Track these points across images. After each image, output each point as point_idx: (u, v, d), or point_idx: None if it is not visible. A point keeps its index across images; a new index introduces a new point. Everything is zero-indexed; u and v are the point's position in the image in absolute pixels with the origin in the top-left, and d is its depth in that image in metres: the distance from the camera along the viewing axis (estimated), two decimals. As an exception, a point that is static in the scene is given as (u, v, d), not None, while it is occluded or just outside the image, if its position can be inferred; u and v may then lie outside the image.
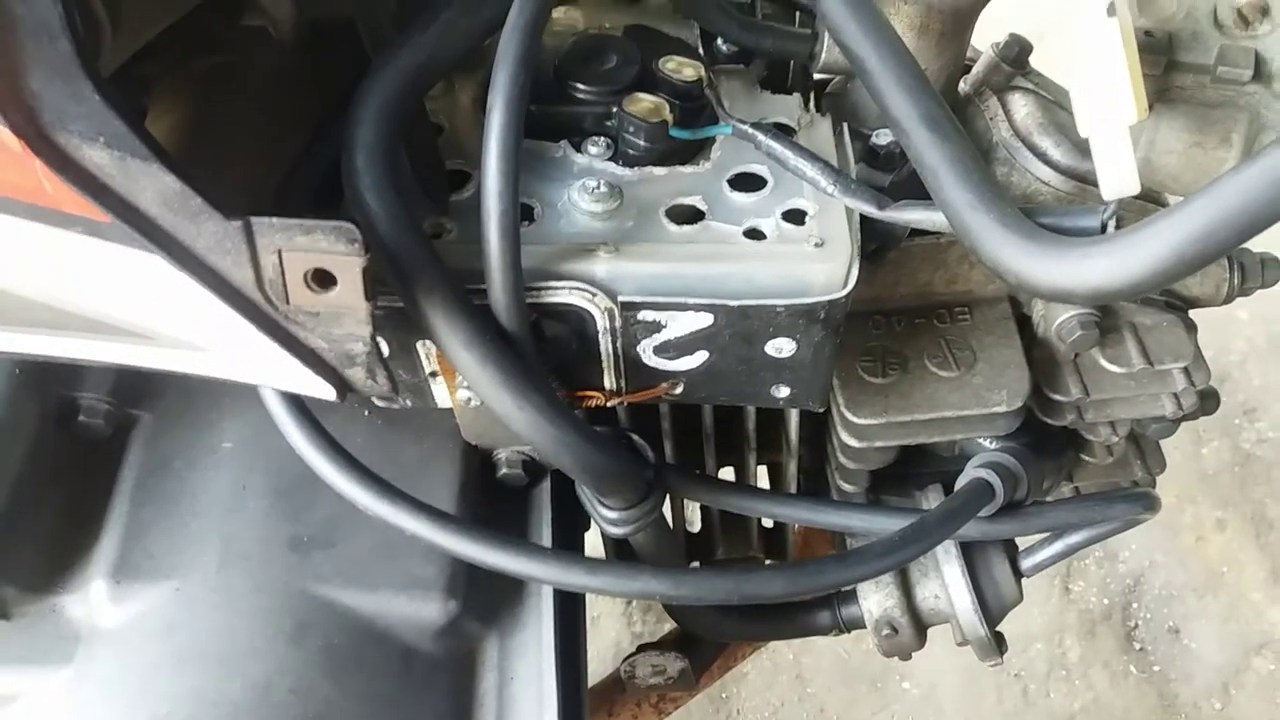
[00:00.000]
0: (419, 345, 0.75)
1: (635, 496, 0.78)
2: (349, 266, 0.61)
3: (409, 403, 0.80)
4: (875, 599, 1.02)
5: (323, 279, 0.62)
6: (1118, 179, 0.64)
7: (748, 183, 0.76)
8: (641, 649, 1.15)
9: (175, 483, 0.87)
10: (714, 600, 0.75)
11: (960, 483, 0.91)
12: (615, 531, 0.80)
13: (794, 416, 0.98)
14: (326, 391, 0.68)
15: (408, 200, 0.68)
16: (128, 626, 0.81)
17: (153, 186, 0.58)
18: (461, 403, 0.79)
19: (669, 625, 1.22)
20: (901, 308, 0.90)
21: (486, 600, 0.87)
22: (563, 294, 0.71)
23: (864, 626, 1.04)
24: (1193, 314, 0.93)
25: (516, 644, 0.86)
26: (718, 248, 0.72)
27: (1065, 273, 0.58)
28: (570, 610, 0.90)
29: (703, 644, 1.17)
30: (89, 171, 0.57)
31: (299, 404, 0.77)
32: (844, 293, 0.70)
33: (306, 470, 0.77)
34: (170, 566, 0.83)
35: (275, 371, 0.68)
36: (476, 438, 0.88)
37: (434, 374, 0.78)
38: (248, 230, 0.60)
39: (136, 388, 0.92)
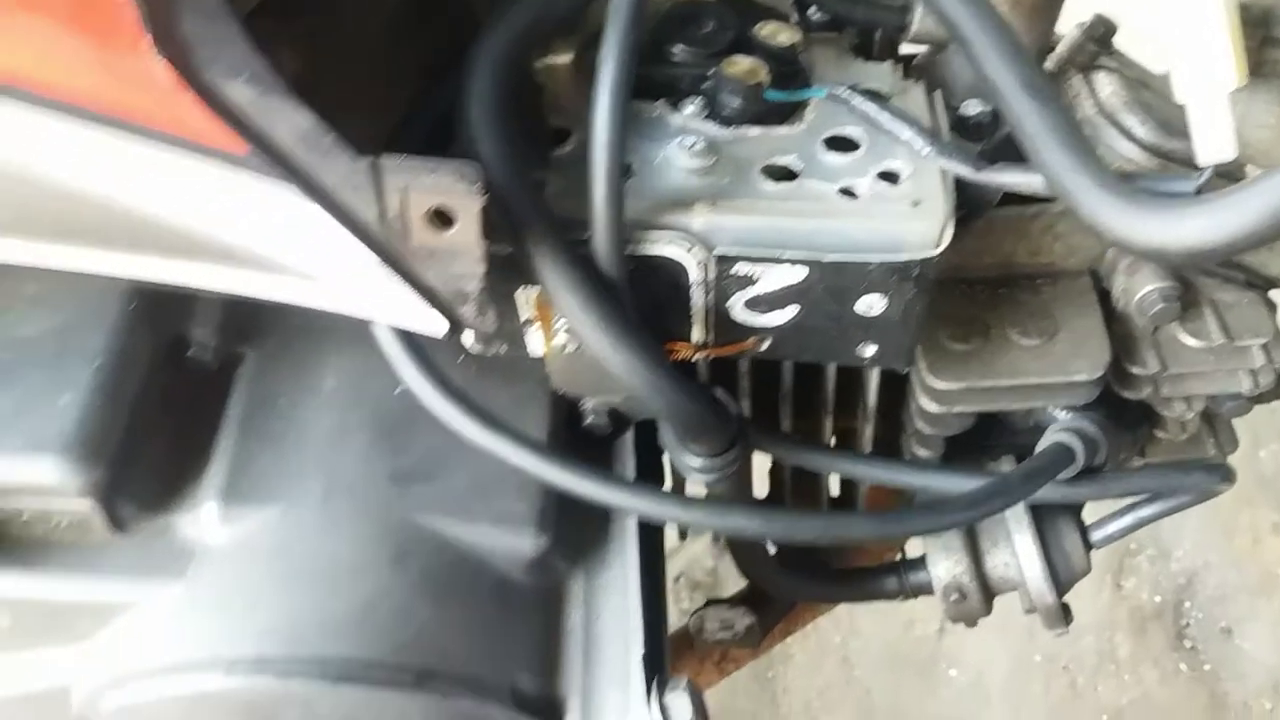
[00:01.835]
0: (518, 292, 0.78)
1: (721, 445, 0.81)
2: (468, 206, 0.64)
3: (504, 349, 0.83)
4: (945, 565, 1.03)
5: (442, 218, 0.65)
6: (1214, 144, 0.65)
7: (842, 145, 0.78)
8: (710, 603, 1.17)
9: (279, 419, 0.91)
10: (803, 539, 0.78)
11: (1041, 446, 0.92)
12: (700, 478, 0.82)
13: (874, 380, 0.99)
14: (437, 327, 0.71)
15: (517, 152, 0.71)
16: (237, 545, 0.85)
17: (287, 122, 0.62)
18: (557, 349, 0.82)
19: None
20: (984, 278, 0.92)
21: (574, 539, 0.90)
22: (659, 245, 0.73)
23: (930, 593, 1.06)
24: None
25: (602, 582, 0.88)
26: (813, 204, 0.74)
27: (1162, 229, 0.59)
28: (651, 552, 0.93)
29: (769, 603, 1.19)
30: (231, 107, 0.61)
31: (411, 340, 0.80)
32: (938, 250, 0.72)
33: (405, 409, 0.80)
34: (278, 493, 0.87)
35: (386, 305, 0.71)
36: (566, 385, 0.90)
37: (529, 321, 0.81)
38: (375, 168, 0.63)
39: (242, 326, 0.95)
